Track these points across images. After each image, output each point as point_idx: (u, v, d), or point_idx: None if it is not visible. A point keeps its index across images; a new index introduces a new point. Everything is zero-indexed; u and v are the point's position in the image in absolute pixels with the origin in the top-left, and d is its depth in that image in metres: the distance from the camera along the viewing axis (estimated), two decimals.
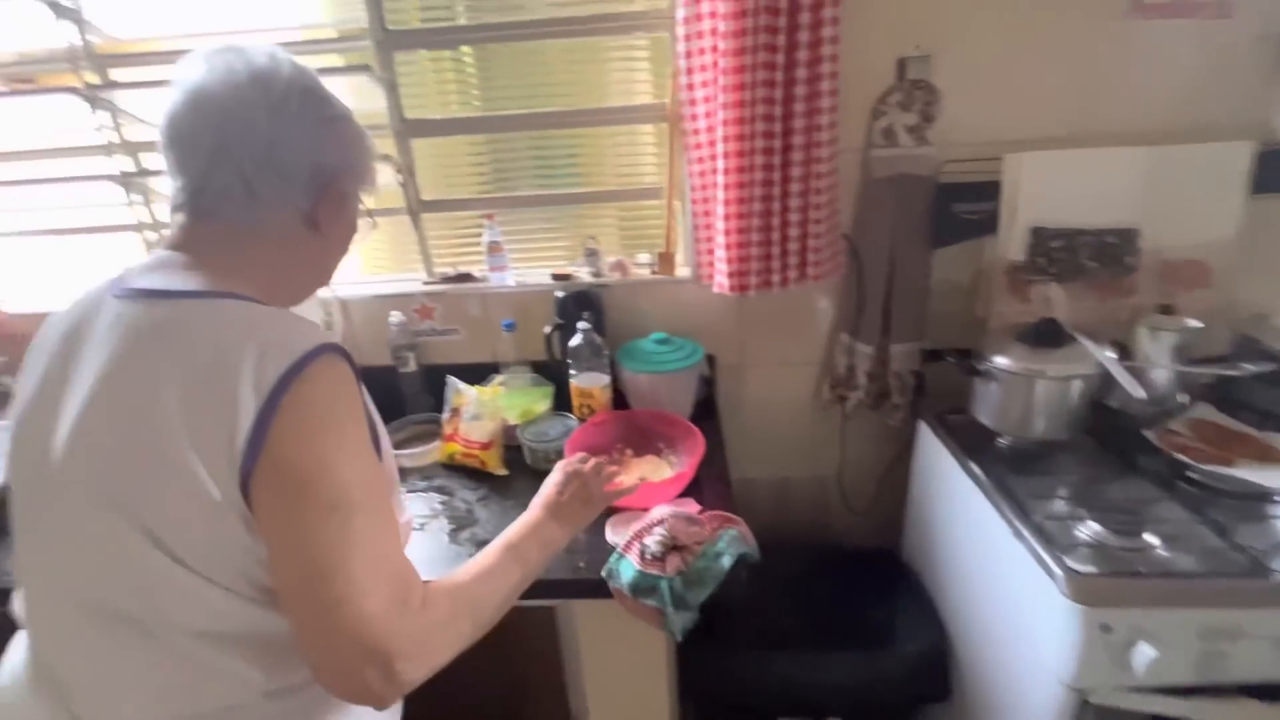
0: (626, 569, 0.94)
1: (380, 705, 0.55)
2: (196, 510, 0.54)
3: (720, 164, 1.16)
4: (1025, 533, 0.94)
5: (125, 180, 1.39)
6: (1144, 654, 0.81)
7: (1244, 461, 1.02)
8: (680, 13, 1.13)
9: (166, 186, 0.66)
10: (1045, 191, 1.18)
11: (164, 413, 0.54)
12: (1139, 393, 0.96)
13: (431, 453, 1.26)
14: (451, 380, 1.29)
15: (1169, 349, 1.12)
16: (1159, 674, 0.83)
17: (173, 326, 0.57)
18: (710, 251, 1.29)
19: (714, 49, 1.12)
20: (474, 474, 1.23)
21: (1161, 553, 0.88)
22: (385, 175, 1.39)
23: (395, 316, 1.40)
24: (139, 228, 1.44)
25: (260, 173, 0.63)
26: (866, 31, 1.16)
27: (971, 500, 1.10)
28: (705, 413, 1.38)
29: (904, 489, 1.42)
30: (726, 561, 0.95)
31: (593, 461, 0.91)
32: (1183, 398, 1.14)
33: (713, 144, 1.19)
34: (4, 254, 1.51)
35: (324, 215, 0.68)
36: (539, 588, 0.94)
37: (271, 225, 0.66)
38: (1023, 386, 1.09)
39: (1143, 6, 1.15)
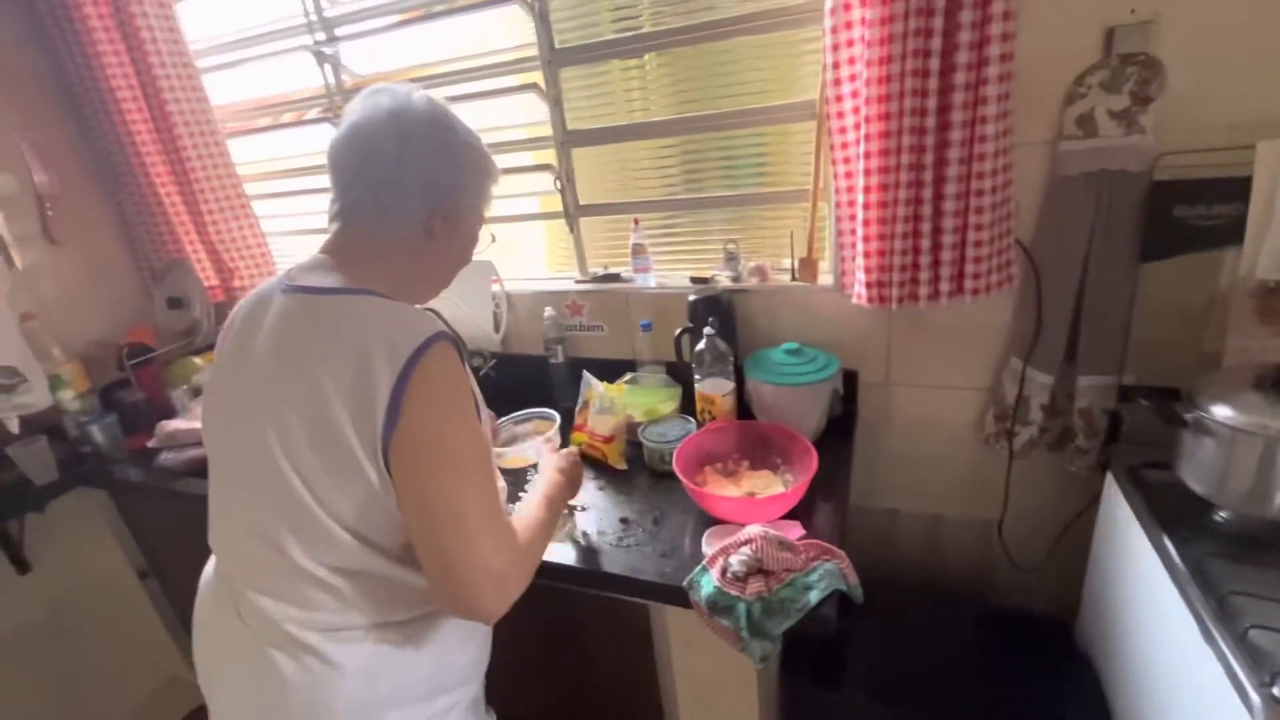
0: (707, 583, 0.92)
1: (490, 620, 0.70)
2: (341, 466, 0.68)
3: (862, 164, 1.06)
4: (1219, 638, 0.72)
5: None
6: None
7: None
8: (828, 3, 1.05)
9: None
10: None
11: (321, 388, 0.68)
12: None
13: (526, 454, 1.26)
14: (585, 374, 1.37)
15: None
16: None
17: (323, 317, 0.72)
18: (853, 259, 1.19)
19: (862, 39, 1.02)
20: (597, 465, 1.29)
21: None
22: (545, 182, 1.51)
23: (548, 311, 1.53)
24: None
25: (385, 189, 0.75)
26: (1060, 1, 0.97)
27: (1158, 583, 0.87)
28: (840, 432, 1.28)
29: (1086, 552, 1.17)
30: (814, 596, 0.88)
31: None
32: None
33: (859, 142, 1.09)
34: (277, 248, 1.95)
35: (437, 226, 0.79)
36: (626, 584, 0.98)
37: (398, 234, 0.78)
38: (1253, 448, 0.82)
39: None
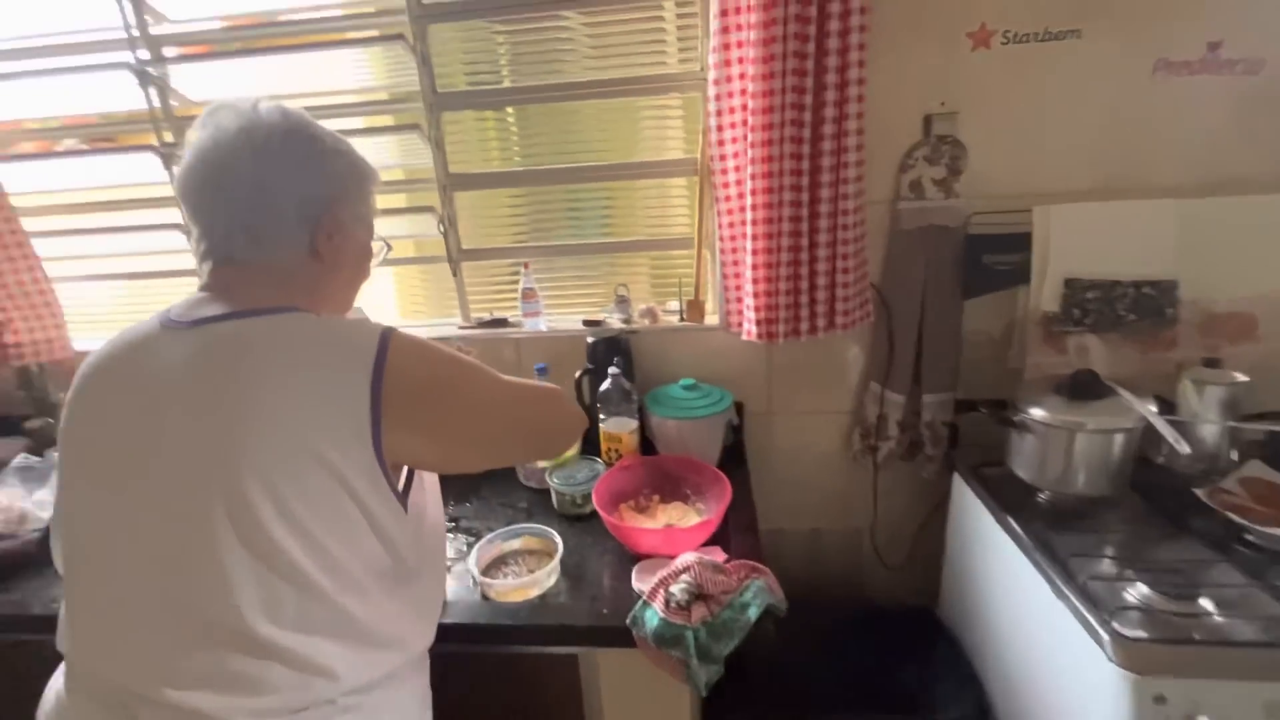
0: (651, 617, 0.92)
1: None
2: (338, 505, 0.62)
3: (749, 216, 1.19)
4: (1069, 593, 0.90)
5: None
6: None
7: None
8: (711, 74, 1.19)
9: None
10: (1077, 243, 1.18)
11: (292, 421, 0.60)
12: (1184, 448, 0.93)
13: None
14: None
15: (1215, 403, 1.08)
16: None
17: (261, 341, 0.63)
18: (739, 300, 1.31)
19: (744, 108, 1.17)
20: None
21: (1219, 619, 0.83)
22: (429, 225, 1.46)
23: None
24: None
25: (253, 213, 0.68)
26: (893, 90, 1.20)
27: (1010, 558, 1.05)
28: (734, 460, 1.37)
29: (941, 544, 1.37)
30: (753, 613, 0.93)
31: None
32: (1233, 455, 1.09)
33: (741, 197, 1.22)
34: (77, 296, 1.62)
35: (323, 245, 0.72)
36: (563, 634, 0.95)
37: (281, 260, 0.70)
38: (1061, 440, 1.06)
39: (1171, 65, 1.16)
